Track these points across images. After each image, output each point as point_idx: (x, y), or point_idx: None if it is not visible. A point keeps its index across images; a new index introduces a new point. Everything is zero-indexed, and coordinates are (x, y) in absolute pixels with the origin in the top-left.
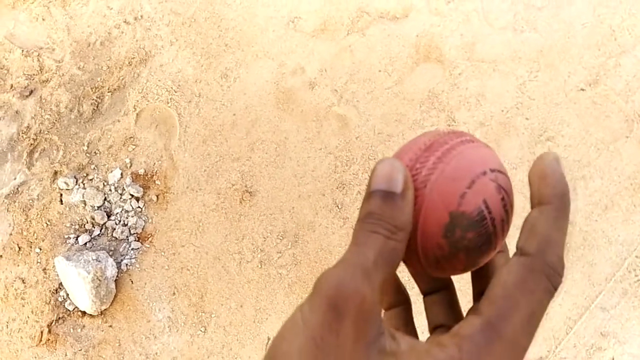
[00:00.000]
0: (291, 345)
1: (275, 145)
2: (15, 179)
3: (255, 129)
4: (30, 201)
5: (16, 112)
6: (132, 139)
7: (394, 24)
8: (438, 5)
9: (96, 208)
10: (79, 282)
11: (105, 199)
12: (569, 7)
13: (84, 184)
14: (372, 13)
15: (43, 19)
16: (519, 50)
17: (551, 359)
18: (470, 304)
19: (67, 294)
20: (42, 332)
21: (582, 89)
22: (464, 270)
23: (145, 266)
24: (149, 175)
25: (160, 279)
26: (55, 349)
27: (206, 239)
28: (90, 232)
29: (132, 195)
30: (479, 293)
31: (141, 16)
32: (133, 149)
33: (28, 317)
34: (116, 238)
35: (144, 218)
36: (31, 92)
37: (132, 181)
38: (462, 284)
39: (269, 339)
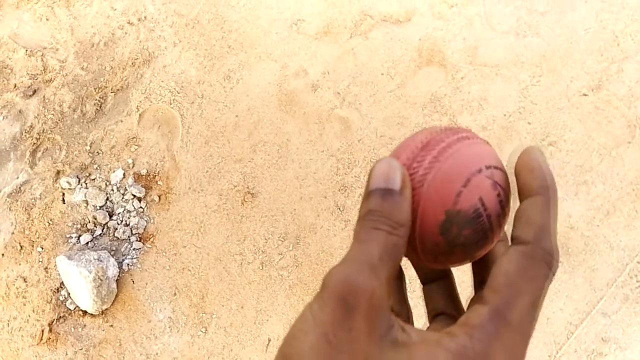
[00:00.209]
0: (303, 343)
1: (277, 147)
2: (17, 178)
3: (257, 131)
4: (33, 200)
5: (19, 111)
6: (134, 139)
7: (396, 27)
8: (441, 9)
9: (98, 208)
10: (80, 282)
11: (107, 198)
12: (571, 13)
13: (86, 184)
14: (375, 16)
15: (47, 19)
16: (521, 55)
17: None
18: (467, 292)
19: (69, 293)
20: (43, 331)
21: (585, 94)
22: (462, 263)
23: (147, 266)
24: (151, 176)
25: (162, 279)
26: (56, 348)
27: (208, 240)
28: (92, 231)
29: (134, 196)
30: (480, 282)
31: (145, 17)
32: (135, 150)
33: (29, 315)
34: (118, 238)
35: (145, 218)
36: (34, 91)
37: (135, 181)
38: (460, 273)
39: (269, 340)
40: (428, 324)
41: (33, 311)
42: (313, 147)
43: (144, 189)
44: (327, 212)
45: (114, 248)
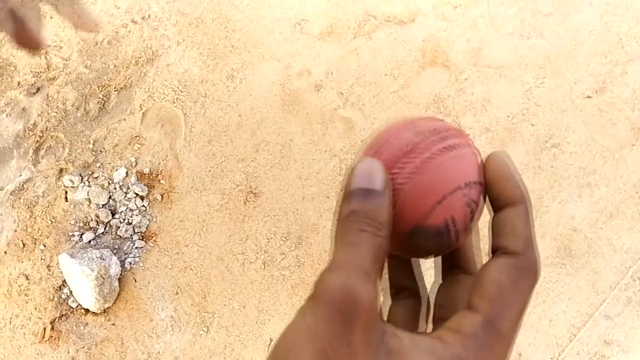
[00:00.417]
0: (300, 358)
1: (280, 146)
2: (20, 175)
3: (260, 130)
4: (35, 198)
5: (23, 109)
6: (137, 138)
7: (400, 28)
8: (445, 10)
9: (101, 206)
10: (82, 280)
11: (110, 197)
12: (576, 15)
13: (89, 182)
14: (378, 17)
15: (51, 17)
16: (525, 57)
17: None
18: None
19: (71, 292)
20: (45, 329)
21: (589, 97)
22: (426, 259)
23: (149, 265)
24: (154, 175)
25: (164, 278)
26: (58, 346)
27: (210, 239)
28: (95, 230)
29: (137, 194)
30: (452, 265)
31: (149, 16)
32: (138, 148)
33: (31, 313)
34: (120, 236)
35: (148, 217)
36: (38, 89)
37: (137, 180)
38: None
39: (271, 340)
40: (390, 300)
41: (35, 309)
42: (316, 147)
43: (146, 188)
44: (330, 212)
45: (116, 246)
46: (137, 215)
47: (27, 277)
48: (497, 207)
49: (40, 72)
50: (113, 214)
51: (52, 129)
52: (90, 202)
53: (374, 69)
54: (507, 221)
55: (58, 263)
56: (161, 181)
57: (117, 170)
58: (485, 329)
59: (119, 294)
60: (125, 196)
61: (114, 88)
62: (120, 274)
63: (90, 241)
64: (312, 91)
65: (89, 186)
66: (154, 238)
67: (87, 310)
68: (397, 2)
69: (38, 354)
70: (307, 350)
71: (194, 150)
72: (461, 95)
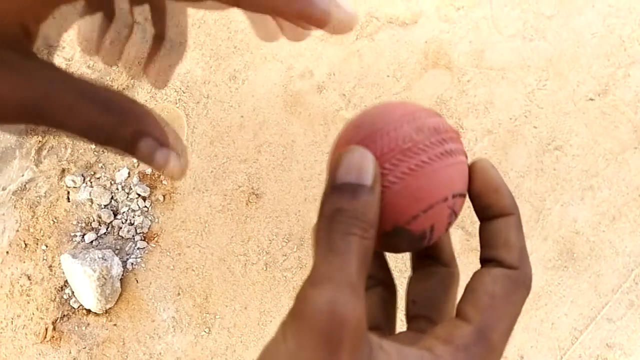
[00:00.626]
0: None
1: (282, 148)
2: (22, 175)
3: (262, 132)
4: (38, 198)
5: None
6: None
7: (403, 29)
8: (447, 12)
9: (103, 206)
10: (84, 280)
11: (112, 197)
12: (578, 17)
13: (91, 182)
14: (381, 18)
15: (53, 17)
16: (528, 59)
17: None
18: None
19: (73, 292)
20: (46, 329)
21: (591, 99)
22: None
23: (151, 266)
24: (156, 175)
25: (166, 279)
26: (60, 347)
27: (212, 240)
28: (97, 230)
29: (139, 195)
30: (425, 255)
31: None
32: None
33: (33, 313)
34: (122, 237)
35: (150, 218)
36: None
37: (139, 180)
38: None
39: None
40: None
41: (37, 309)
42: (318, 149)
43: (148, 188)
44: None
45: (118, 247)
46: (139, 216)
47: (29, 277)
48: (487, 217)
49: None
50: (115, 215)
51: (55, 129)
52: (92, 202)
53: (376, 71)
54: (500, 232)
55: (60, 263)
56: (163, 182)
57: (119, 170)
58: (476, 341)
59: (120, 295)
60: (128, 197)
61: (117, 88)
62: (122, 275)
63: (92, 242)
64: (314, 92)
65: (91, 187)
66: (155, 239)
67: (88, 311)
68: (400, 4)
69: (40, 354)
70: None
71: (196, 151)
72: (463, 97)
